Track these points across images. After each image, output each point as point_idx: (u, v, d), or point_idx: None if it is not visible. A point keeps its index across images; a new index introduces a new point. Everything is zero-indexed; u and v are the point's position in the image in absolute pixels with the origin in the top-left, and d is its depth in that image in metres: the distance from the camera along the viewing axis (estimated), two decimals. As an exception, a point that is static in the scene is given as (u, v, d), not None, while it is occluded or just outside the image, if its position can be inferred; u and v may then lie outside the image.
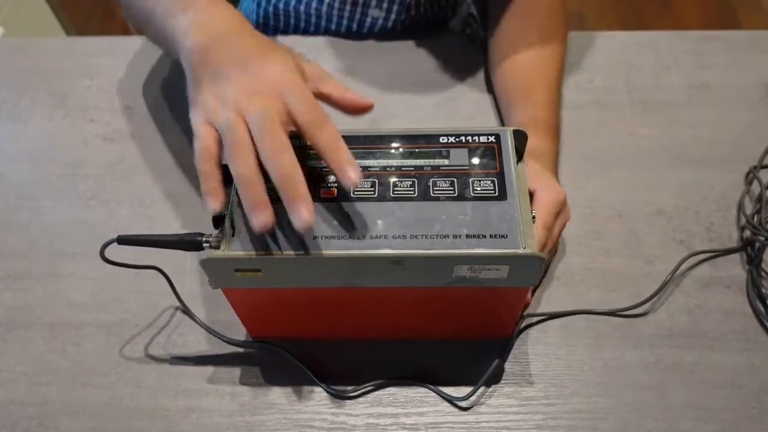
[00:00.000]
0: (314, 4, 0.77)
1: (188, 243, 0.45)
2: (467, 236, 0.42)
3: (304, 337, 0.55)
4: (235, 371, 0.54)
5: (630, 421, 0.51)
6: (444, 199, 0.44)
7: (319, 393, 0.53)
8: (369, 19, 0.78)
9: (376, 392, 0.53)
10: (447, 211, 0.44)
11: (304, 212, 0.39)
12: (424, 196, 0.44)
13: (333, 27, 0.79)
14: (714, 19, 1.85)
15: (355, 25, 0.78)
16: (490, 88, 0.72)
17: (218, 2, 0.50)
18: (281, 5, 0.79)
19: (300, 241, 0.42)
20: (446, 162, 0.46)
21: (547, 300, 0.57)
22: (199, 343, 0.56)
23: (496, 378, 0.53)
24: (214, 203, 0.41)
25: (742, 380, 0.53)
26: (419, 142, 0.47)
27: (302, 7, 0.78)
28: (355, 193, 0.45)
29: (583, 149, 0.68)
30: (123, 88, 0.74)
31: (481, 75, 0.74)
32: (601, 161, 0.67)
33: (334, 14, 0.78)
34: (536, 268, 0.43)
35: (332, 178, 0.45)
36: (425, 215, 0.43)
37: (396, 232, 0.42)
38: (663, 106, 0.71)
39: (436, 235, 0.42)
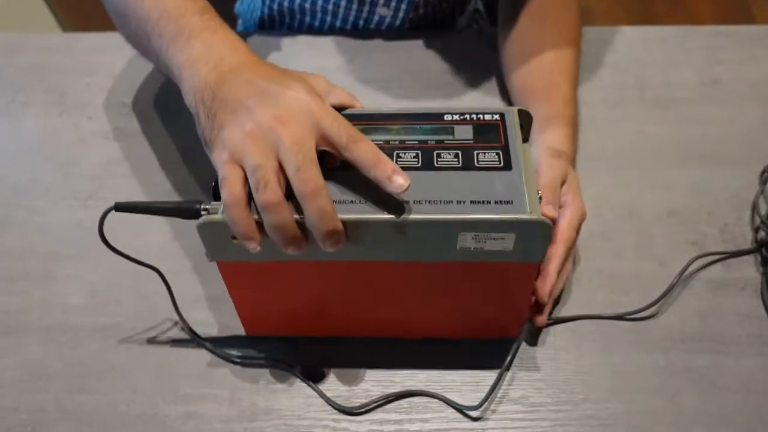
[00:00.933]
0: (320, 2, 0.76)
1: (186, 210, 0.44)
2: (472, 202, 0.41)
3: (300, 333, 0.53)
4: (234, 376, 0.53)
5: (641, 427, 0.50)
6: (448, 169, 0.44)
7: (319, 399, 0.52)
8: (376, 17, 0.77)
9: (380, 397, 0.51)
10: (451, 180, 0.43)
11: (336, 246, 0.41)
12: (428, 166, 0.44)
13: (339, 24, 0.78)
14: (727, 13, 1.83)
15: (361, 23, 0.77)
16: (499, 86, 0.71)
17: (218, 29, 0.48)
18: (286, 2, 0.78)
19: (299, 207, 0.41)
20: (450, 137, 0.46)
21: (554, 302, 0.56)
22: (198, 347, 0.54)
23: (503, 384, 0.52)
24: (254, 246, 0.41)
25: (757, 385, 0.51)
26: (423, 119, 0.47)
27: (308, 5, 0.77)
28: None
29: (592, 147, 0.66)
30: (121, 85, 0.74)
31: (489, 73, 0.73)
32: (611, 160, 0.65)
33: (340, 12, 0.77)
34: (543, 237, 0.42)
35: None
36: (429, 183, 0.43)
37: (399, 197, 0.41)
38: (674, 103, 0.69)
39: (440, 201, 0.41)
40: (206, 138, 0.43)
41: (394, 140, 0.46)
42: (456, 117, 0.47)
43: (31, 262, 0.60)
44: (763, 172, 0.63)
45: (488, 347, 0.53)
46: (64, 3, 1.54)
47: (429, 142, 0.46)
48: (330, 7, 0.76)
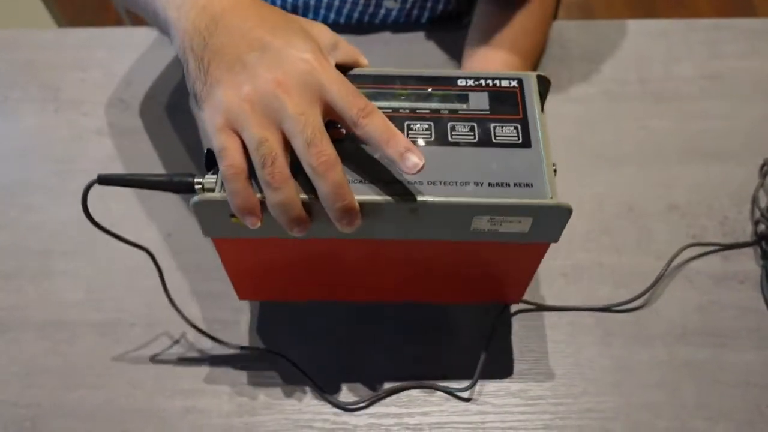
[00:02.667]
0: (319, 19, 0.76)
1: (178, 184, 0.40)
2: (489, 184, 0.39)
3: (295, 299, 0.52)
4: (233, 371, 0.53)
5: (641, 421, 0.50)
6: (464, 145, 0.41)
7: (318, 391, 0.51)
8: (383, 11, 0.76)
9: (378, 392, 0.51)
10: (467, 158, 0.40)
11: (353, 224, 0.38)
12: (442, 141, 0.41)
13: (344, 21, 0.78)
14: (728, 6, 1.82)
15: (367, 18, 0.77)
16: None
17: None
18: None
19: (304, 185, 0.38)
20: (464, 107, 0.43)
21: (555, 297, 0.56)
22: (196, 342, 0.54)
23: (501, 375, 0.52)
24: (254, 222, 0.38)
25: (757, 379, 0.51)
26: (435, 83, 0.44)
27: (312, 1, 0.76)
28: None
29: (592, 142, 0.66)
30: (116, 81, 0.73)
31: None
32: (611, 155, 0.65)
33: (346, 8, 0.76)
34: (562, 222, 0.40)
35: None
36: (444, 161, 0.40)
37: (412, 178, 0.39)
38: (675, 98, 0.69)
39: (456, 182, 0.39)
40: (196, 92, 0.39)
41: (404, 108, 0.43)
42: (470, 82, 0.44)
43: (26, 260, 0.60)
44: (763, 166, 0.63)
45: (484, 334, 0.53)
46: (59, -1, 1.53)
47: (442, 111, 0.42)
48: (336, 3, 0.76)
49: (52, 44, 0.77)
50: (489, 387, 0.51)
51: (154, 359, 0.53)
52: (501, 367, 0.52)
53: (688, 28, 0.75)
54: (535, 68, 0.70)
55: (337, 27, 0.77)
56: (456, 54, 0.73)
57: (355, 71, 0.44)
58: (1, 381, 0.53)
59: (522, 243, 0.42)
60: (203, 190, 0.40)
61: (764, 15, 1.81)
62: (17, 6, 1.40)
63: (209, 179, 0.40)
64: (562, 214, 0.39)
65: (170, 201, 0.62)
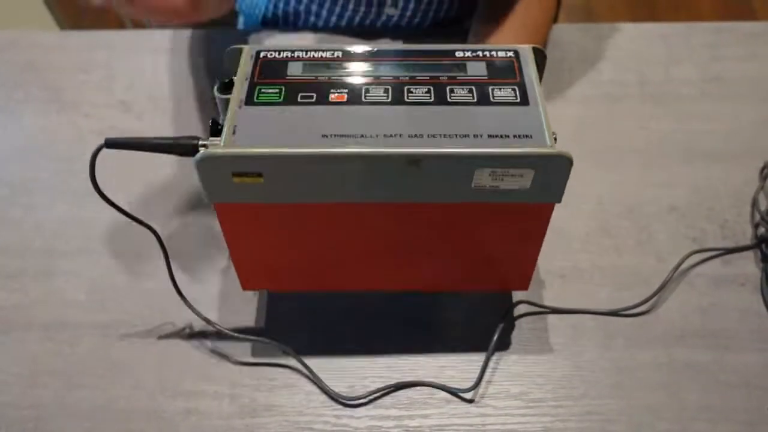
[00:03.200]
0: (327, 4, 0.76)
1: (183, 146, 0.41)
2: (489, 136, 0.39)
3: (298, 287, 0.52)
4: (235, 373, 0.53)
5: (642, 423, 0.50)
6: (463, 104, 0.42)
7: (320, 395, 0.51)
8: (383, 18, 0.76)
9: (379, 393, 0.51)
10: (466, 113, 0.41)
11: None
12: (441, 101, 0.42)
13: (344, 23, 0.78)
14: (729, 10, 1.82)
15: (368, 22, 0.77)
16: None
17: None
18: (292, 3, 0.78)
19: (308, 140, 0.39)
20: (463, 74, 0.44)
21: (555, 299, 0.56)
22: (198, 343, 0.54)
23: (502, 377, 0.52)
24: None
25: (758, 380, 0.51)
26: (434, 55, 0.45)
27: (314, 6, 0.77)
28: (367, 97, 0.42)
29: (593, 144, 0.66)
30: (118, 82, 0.73)
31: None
32: (612, 156, 0.65)
33: (347, 13, 0.77)
34: (563, 174, 0.40)
35: (341, 84, 0.43)
36: (443, 117, 0.41)
37: (413, 131, 0.40)
38: (675, 100, 0.69)
39: (456, 135, 0.40)
40: None
41: (404, 76, 0.44)
42: (468, 53, 0.45)
43: (29, 260, 0.60)
44: (763, 169, 0.63)
45: (485, 336, 0.53)
46: (61, 1, 1.53)
47: (441, 77, 0.43)
48: (337, 9, 0.76)
49: (54, 46, 0.77)
50: (490, 389, 0.51)
51: (155, 360, 0.53)
52: (501, 370, 0.52)
53: (688, 31, 0.76)
54: None
55: (338, 30, 0.78)
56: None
57: (356, 47, 0.45)
58: (4, 382, 0.53)
59: (525, 203, 0.42)
60: (207, 150, 0.40)
61: (764, 18, 1.81)
62: (19, 8, 1.40)
63: (213, 141, 0.40)
64: (563, 164, 0.39)
65: (175, 191, 0.62)
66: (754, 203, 0.61)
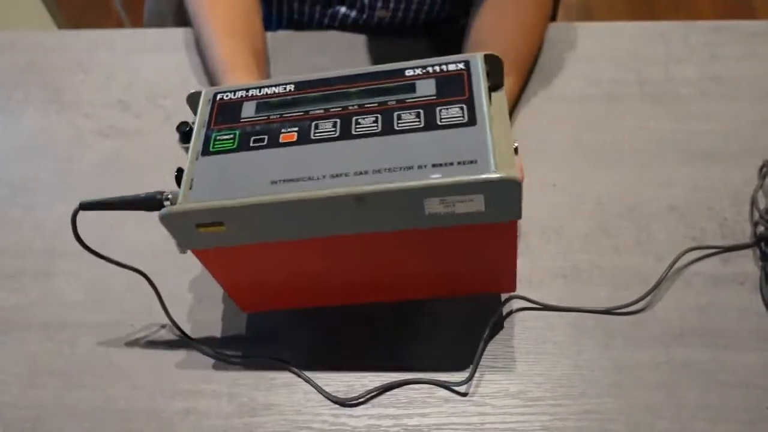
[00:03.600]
0: (316, 16, 0.77)
1: (148, 201, 0.44)
2: (433, 165, 0.39)
3: (293, 305, 0.53)
4: (233, 372, 0.53)
5: (641, 422, 0.50)
6: (409, 131, 0.42)
7: (319, 394, 0.52)
8: (375, 21, 0.76)
9: (376, 392, 0.51)
10: (412, 143, 0.41)
11: None
12: (389, 130, 0.42)
13: (337, 24, 0.78)
14: (729, 9, 1.82)
15: (361, 23, 0.77)
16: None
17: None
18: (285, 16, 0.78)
19: (259, 189, 0.41)
20: (412, 95, 0.44)
21: (555, 298, 0.56)
22: (196, 344, 0.54)
23: (500, 376, 0.52)
24: None
25: (757, 380, 0.51)
26: (384, 78, 0.45)
27: (305, 19, 0.77)
28: (316, 134, 0.43)
29: (591, 143, 0.66)
30: (118, 82, 0.73)
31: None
32: (611, 156, 0.65)
33: (339, 14, 0.77)
34: (514, 195, 0.39)
35: (292, 121, 0.44)
36: (389, 149, 0.41)
37: (357, 169, 0.40)
38: (674, 99, 0.69)
39: (400, 168, 0.40)
40: None
41: (353, 105, 0.44)
42: (418, 71, 0.45)
43: (29, 260, 0.60)
44: (762, 167, 0.63)
45: (482, 332, 0.53)
46: (61, 2, 1.54)
47: (389, 102, 0.43)
48: (326, 20, 0.77)
49: (54, 46, 0.77)
50: (488, 388, 0.51)
51: (154, 360, 0.54)
52: (500, 368, 0.52)
53: (687, 29, 0.75)
54: (532, 68, 0.70)
55: (331, 28, 0.78)
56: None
57: (305, 77, 0.46)
58: (3, 382, 0.53)
59: (485, 223, 0.41)
60: (171, 203, 0.42)
61: (764, 17, 1.81)
62: (18, 8, 1.40)
63: (175, 193, 0.42)
64: (510, 187, 0.39)
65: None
66: (754, 202, 0.61)
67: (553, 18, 0.74)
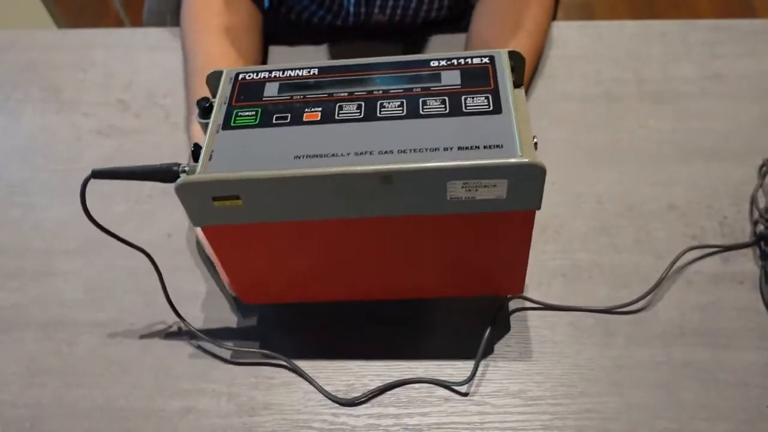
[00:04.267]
0: (315, 20, 0.77)
1: (164, 172, 0.43)
2: (459, 148, 0.39)
3: (292, 299, 0.52)
4: (233, 371, 0.53)
5: (641, 421, 0.50)
6: (434, 116, 0.42)
7: (318, 393, 0.51)
8: (372, 24, 0.76)
9: (377, 391, 0.51)
10: (438, 126, 0.41)
11: None
12: (414, 114, 0.42)
13: (339, 22, 0.78)
14: (729, 9, 1.82)
15: (360, 24, 0.77)
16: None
17: None
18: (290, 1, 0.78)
19: (281, 163, 0.40)
20: (437, 84, 0.44)
21: (554, 297, 0.56)
22: (196, 342, 0.54)
23: (500, 375, 0.52)
24: None
25: (757, 379, 0.51)
26: (409, 67, 0.45)
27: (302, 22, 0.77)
28: (340, 114, 0.43)
29: (591, 142, 0.66)
30: (117, 81, 0.73)
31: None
32: (611, 154, 0.65)
33: (340, 17, 0.77)
34: (538, 183, 0.39)
35: (315, 102, 0.44)
36: (414, 131, 0.41)
37: (383, 148, 0.40)
38: (674, 98, 0.69)
39: (426, 149, 0.40)
40: None
41: (378, 90, 0.44)
42: (443, 63, 0.45)
43: (28, 259, 0.60)
44: (761, 166, 0.63)
45: (483, 332, 0.53)
46: (60, 2, 1.54)
47: (414, 89, 0.43)
48: (324, 28, 0.77)
49: (53, 45, 0.77)
50: (488, 387, 0.51)
51: (154, 359, 0.53)
52: (500, 368, 0.52)
53: (687, 28, 0.75)
54: (534, 67, 0.70)
55: (333, 28, 0.78)
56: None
57: (329, 62, 0.46)
58: (2, 381, 0.53)
59: (504, 212, 0.41)
60: (187, 174, 0.41)
61: (765, 16, 1.81)
62: (17, 7, 1.40)
63: (193, 166, 0.41)
64: (535, 173, 0.39)
65: (170, 201, 0.62)
66: (753, 201, 0.61)
67: (552, 18, 0.74)
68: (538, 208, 0.41)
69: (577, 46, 0.74)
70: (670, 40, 0.74)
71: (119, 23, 1.76)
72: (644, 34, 0.75)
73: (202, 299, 0.57)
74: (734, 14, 1.78)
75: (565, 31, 0.76)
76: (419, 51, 0.74)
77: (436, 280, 0.50)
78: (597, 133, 0.67)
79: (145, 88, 0.72)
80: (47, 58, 0.76)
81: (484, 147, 0.39)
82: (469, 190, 0.40)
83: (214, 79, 0.47)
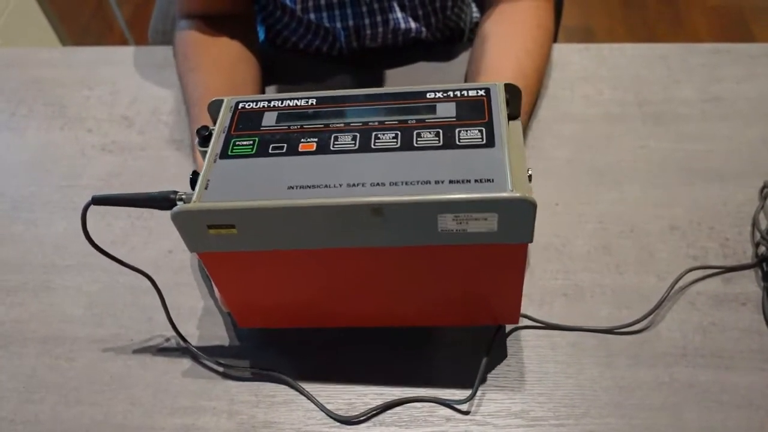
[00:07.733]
0: (312, 49, 0.78)
1: (161, 200, 0.44)
2: (450, 182, 0.40)
3: (293, 325, 0.52)
4: (233, 389, 0.52)
5: (643, 443, 0.49)
6: (428, 149, 0.42)
7: (319, 411, 0.51)
8: (366, 51, 0.77)
9: (378, 410, 0.51)
10: (430, 160, 0.41)
11: None
12: (408, 146, 0.42)
13: (335, 52, 0.79)
14: (727, 34, 1.84)
15: (355, 45, 0.78)
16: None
17: None
18: (284, 32, 0.79)
19: (275, 193, 0.41)
20: (432, 116, 0.44)
21: (556, 317, 0.56)
22: (196, 359, 0.54)
23: (502, 395, 0.51)
24: None
25: (760, 400, 0.51)
26: (405, 98, 0.46)
27: (302, 45, 0.78)
28: (335, 145, 0.43)
29: (593, 163, 0.66)
30: (121, 98, 0.74)
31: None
32: (612, 175, 0.65)
33: (333, 54, 0.78)
34: (528, 217, 0.40)
35: (312, 132, 0.44)
36: (407, 164, 0.41)
37: (375, 180, 0.41)
38: (674, 120, 0.70)
39: (418, 181, 0.40)
40: None
41: (374, 121, 0.44)
42: (439, 95, 0.46)
43: (29, 274, 0.60)
44: (763, 188, 0.63)
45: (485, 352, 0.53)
46: (64, 18, 1.55)
47: (409, 121, 0.44)
48: (322, 57, 0.78)
49: (58, 62, 0.78)
50: (490, 407, 0.51)
51: (153, 376, 0.53)
52: (502, 387, 0.52)
53: (687, 51, 0.76)
54: (537, 89, 0.70)
55: (329, 56, 0.78)
56: (457, 70, 0.74)
57: (327, 93, 0.47)
58: (0, 397, 0.52)
59: (495, 244, 0.42)
60: (183, 202, 0.42)
61: (762, 40, 1.83)
62: (24, 26, 1.42)
63: (190, 194, 0.42)
64: (525, 207, 0.39)
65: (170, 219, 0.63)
66: (755, 223, 0.61)
67: (553, 39, 0.75)
68: (530, 241, 0.42)
69: (579, 68, 0.75)
70: (671, 63, 0.75)
71: (123, 42, 1.77)
72: (645, 57, 0.76)
73: (203, 316, 0.56)
74: (732, 38, 1.81)
75: (567, 53, 0.77)
76: (415, 75, 0.75)
77: (430, 310, 0.51)
78: (599, 153, 0.67)
79: (150, 105, 0.73)
80: (53, 75, 0.76)
81: (475, 181, 0.40)
82: (460, 223, 0.40)
83: (214, 108, 0.48)
